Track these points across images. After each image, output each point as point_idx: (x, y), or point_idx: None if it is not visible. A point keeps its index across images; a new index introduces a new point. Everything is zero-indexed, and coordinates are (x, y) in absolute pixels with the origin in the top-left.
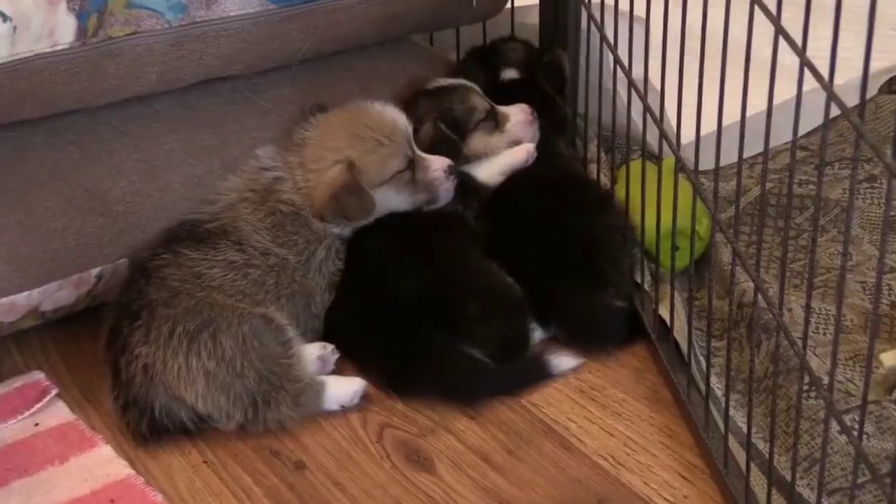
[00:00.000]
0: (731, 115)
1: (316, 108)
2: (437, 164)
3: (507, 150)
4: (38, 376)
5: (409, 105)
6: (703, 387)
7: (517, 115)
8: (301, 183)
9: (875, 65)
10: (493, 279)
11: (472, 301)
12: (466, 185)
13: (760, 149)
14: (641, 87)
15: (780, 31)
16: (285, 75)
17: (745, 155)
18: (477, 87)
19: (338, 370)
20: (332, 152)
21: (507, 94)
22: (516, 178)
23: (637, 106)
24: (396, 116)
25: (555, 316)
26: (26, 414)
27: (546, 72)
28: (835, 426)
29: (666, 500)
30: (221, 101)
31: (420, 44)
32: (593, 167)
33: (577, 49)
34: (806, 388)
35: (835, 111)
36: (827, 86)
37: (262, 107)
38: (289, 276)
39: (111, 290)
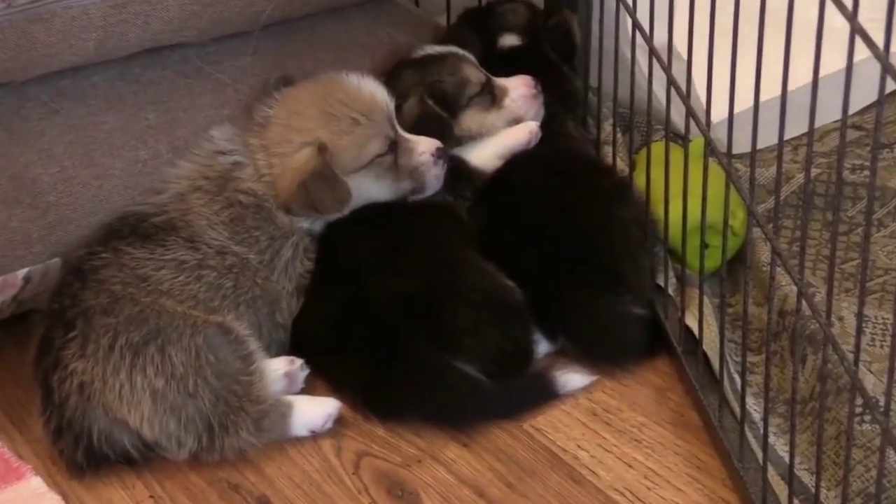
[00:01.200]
0: (771, 89)
1: (281, 82)
2: (424, 147)
3: (505, 130)
4: None
5: (390, 77)
6: (737, 409)
7: (518, 89)
8: (264, 169)
9: None
10: (489, 281)
11: (464, 307)
12: (458, 171)
13: (804, 128)
14: (664, 56)
15: None
16: (246, 43)
17: (788, 136)
18: (470, 56)
19: (308, 389)
20: (299, 133)
21: (507, 63)
22: (516, 163)
23: (660, 78)
24: (376, 91)
25: (562, 325)
26: None
27: (552, 37)
28: (892, 456)
29: None
30: (170, 74)
31: (404, 5)
32: (608, 150)
33: (589, 11)
34: (859, 410)
35: (891, 85)
36: (882, 55)
37: (218, 80)
38: (249, 278)
39: (41, 294)
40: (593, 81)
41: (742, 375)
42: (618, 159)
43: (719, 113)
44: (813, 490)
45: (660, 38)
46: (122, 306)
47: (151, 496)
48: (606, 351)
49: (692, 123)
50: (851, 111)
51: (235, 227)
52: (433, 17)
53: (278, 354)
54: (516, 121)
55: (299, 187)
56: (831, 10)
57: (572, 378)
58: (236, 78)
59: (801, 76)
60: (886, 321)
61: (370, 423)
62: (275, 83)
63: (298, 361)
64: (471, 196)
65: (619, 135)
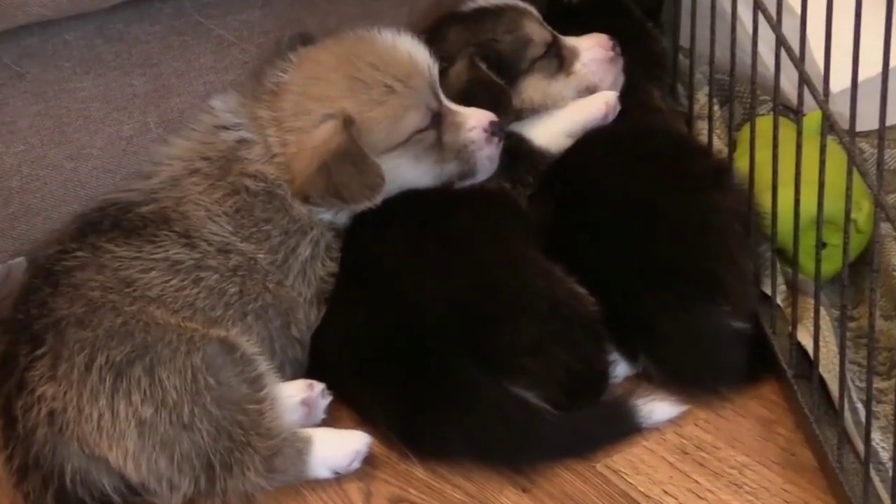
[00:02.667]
0: None
1: (298, 40)
2: (475, 121)
3: (575, 102)
4: None
5: (433, 35)
6: (860, 446)
7: (591, 51)
8: (276, 147)
9: None
10: (556, 288)
11: (525, 319)
12: (516, 152)
13: None
14: (773, 9)
15: None
16: None
17: None
18: (532, 9)
19: (330, 420)
20: (320, 103)
21: (578, 19)
22: (590, 142)
23: (767, 37)
24: (415, 51)
25: (645, 342)
26: None
27: None
28: None
29: None
30: (160, 30)
31: None
32: (703, 126)
33: None
34: None
35: None
36: None
37: (220, 38)
38: (259, 282)
39: (2, 302)
40: (685, 41)
41: (867, 405)
42: (715, 137)
43: (840, 81)
44: None
45: None
46: (102, 317)
47: None
48: (699, 374)
49: (806, 93)
50: None
51: (241, 220)
52: None
53: (294, 377)
54: (589, 90)
55: (320, 170)
56: None
57: (657, 408)
58: (242, 35)
59: None
60: None
61: (407, 463)
62: (290, 42)
63: (319, 386)
64: (533, 182)
65: (716, 107)
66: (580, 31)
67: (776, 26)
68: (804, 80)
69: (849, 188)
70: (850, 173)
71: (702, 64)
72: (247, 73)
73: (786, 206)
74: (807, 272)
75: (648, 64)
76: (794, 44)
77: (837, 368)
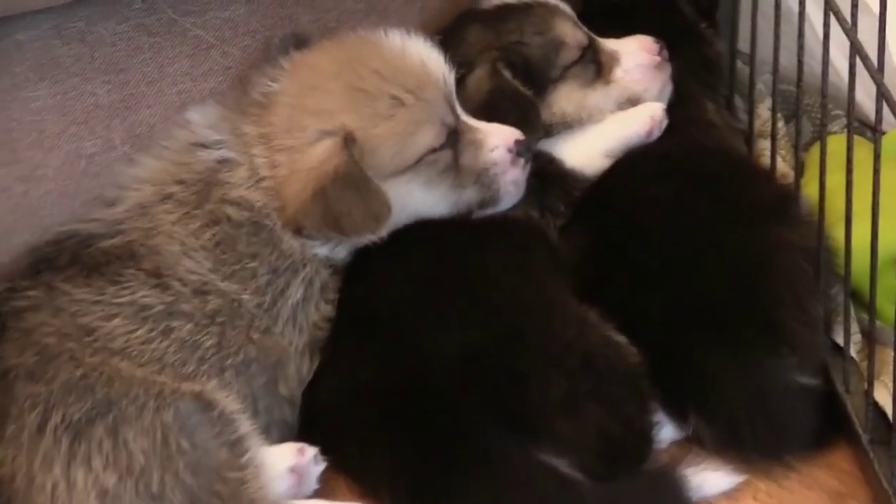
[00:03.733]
0: None
1: (290, 43)
2: (498, 139)
3: (616, 116)
4: None
5: (450, 37)
6: None
7: (634, 55)
8: (264, 170)
9: None
10: (591, 336)
11: (555, 373)
12: (546, 175)
13: None
14: (846, 9)
15: None
16: None
17: None
18: (565, 6)
19: (324, 491)
20: (316, 117)
21: (618, 18)
22: (632, 164)
23: (840, 41)
24: (428, 56)
25: (696, 400)
26: None
27: None
28: None
29: None
30: (128, 30)
31: None
32: (765, 145)
33: None
34: None
35: None
36: None
37: (199, 38)
38: (242, 330)
39: None
40: (744, 44)
41: None
42: (778, 159)
43: None
44: None
45: None
46: (58, 368)
47: None
48: (759, 438)
49: (886, 108)
50: None
51: (222, 255)
52: None
53: (282, 440)
54: (631, 101)
55: (315, 196)
56: None
57: (710, 478)
58: (224, 36)
59: None
60: None
61: None
62: (281, 44)
63: (311, 451)
64: (565, 211)
65: (780, 123)
66: (621, 32)
67: (850, 30)
68: (883, 94)
69: None
70: None
71: (764, 72)
72: (230, 81)
73: (862, 240)
74: (886, 319)
75: (701, 71)
76: (872, 50)
77: None
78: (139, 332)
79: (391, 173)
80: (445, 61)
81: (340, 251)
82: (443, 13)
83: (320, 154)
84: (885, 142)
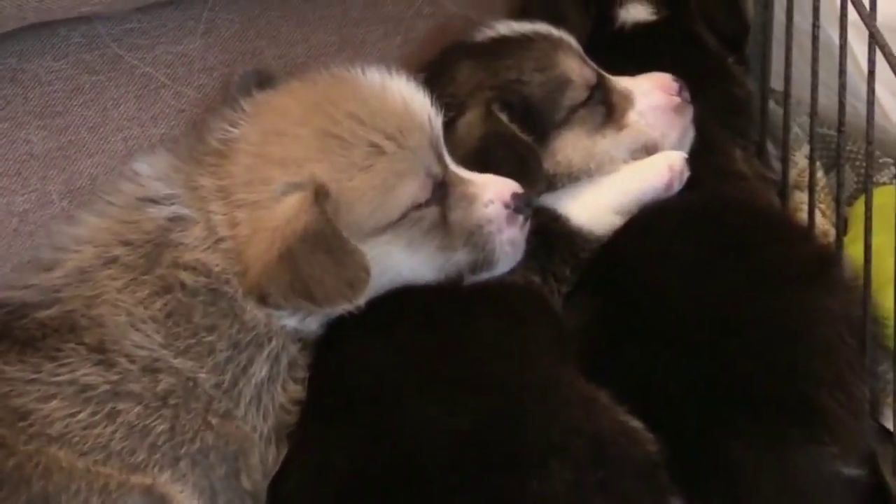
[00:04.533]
0: None
1: (253, 81)
2: (492, 193)
3: (629, 165)
4: None
5: (437, 74)
6: None
7: (650, 95)
8: (222, 229)
9: None
10: (600, 421)
11: (558, 464)
12: (549, 235)
13: None
14: (894, 43)
15: None
16: (192, 15)
17: None
18: (570, 38)
19: None
20: (282, 168)
21: (632, 51)
22: (648, 221)
23: (887, 79)
24: (411, 97)
25: (724, 494)
26: None
27: (708, 8)
28: None
29: None
30: (67, 67)
31: None
32: (801, 198)
33: None
34: None
35: None
36: None
37: (147, 77)
38: (198, 414)
39: None
40: (777, 82)
41: None
42: (818, 214)
43: None
44: None
45: (887, 11)
46: None
47: None
48: None
49: None
50: None
51: (175, 328)
52: None
53: None
54: (647, 149)
55: (282, 259)
56: None
57: None
58: (177, 74)
59: None
60: None
61: None
62: (242, 83)
63: None
64: (571, 276)
65: (819, 174)
66: (635, 68)
67: None
68: None
69: None
70: None
71: (800, 114)
72: (183, 126)
73: None
74: None
75: (728, 113)
76: None
77: None
78: (81, 416)
79: (369, 232)
80: (431, 102)
81: (311, 323)
82: (428, 47)
83: (287, 210)
84: None
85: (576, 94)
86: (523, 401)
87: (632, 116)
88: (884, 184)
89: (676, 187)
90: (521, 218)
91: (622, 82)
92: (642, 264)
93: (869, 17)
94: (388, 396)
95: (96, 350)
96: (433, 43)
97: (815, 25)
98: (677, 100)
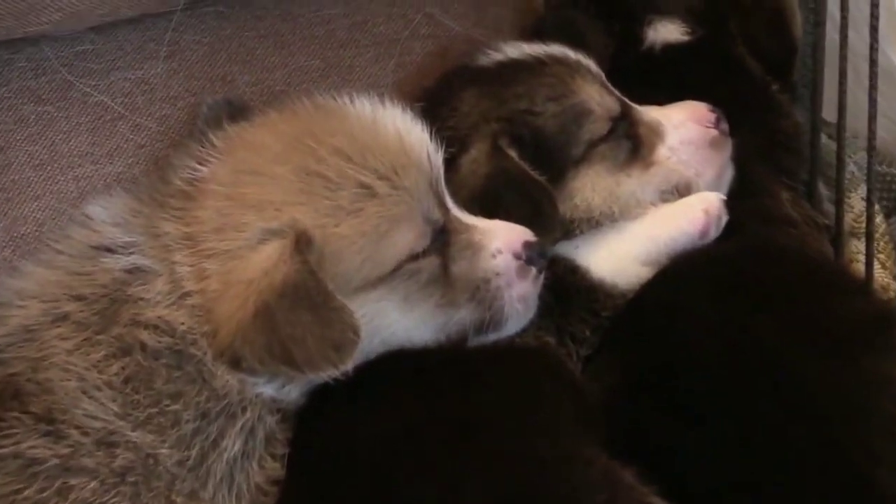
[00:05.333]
0: None
1: (224, 112)
2: (501, 241)
3: (659, 208)
4: None
5: (437, 104)
6: None
7: (682, 128)
8: (189, 282)
9: None
10: (624, 501)
11: None
12: (566, 289)
13: None
14: None
15: None
16: (152, 37)
17: None
18: (590, 62)
19: None
20: (258, 212)
21: (663, 77)
22: (680, 274)
23: None
24: (406, 131)
25: None
26: None
27: (751, 28)
28: None
29: None
30: (9, 95)
31: None
32: (858, 247)
33: None
34: None
35: None
36: None
37: (102, 106)
38: (160, 493)
39: None
40: (829, 113)
41: None
42: (876, 265)
43: None
44: None
45: None
46: None
47: None
48: None
49: None
50: None
51: (134, 396)
52: None
53: None
54: (679, 190)
55: (258, 318)
56: None
57: None
58: (136, 103)
59: None
60: None
61: None
62: (211, 114)
63: None
64: (591, 337)
65: (878, 218)
66: (666, 96)
67: None
68: None
69: None
70: None
71: (857, 150)
72: (143, 164)
73: None
74: None
75: (773, 149)
76: None
77: None
78: (27, 493)
79: (359, 286)
80: (430, 136)
81: (291, 391)
82: (426, 72)
83: (264, 260)
84: None
85: (596, 127)
86: (537, 484)
87: (661, 152)
88: None
89: (713, 234)
90: (533, 270)
91: (650, 113)
92: (673, 324)
93: None
94: (379, 477)
95: (44, 420)
96: (432, 68)
97: (874, 47)
98: (714, 133)
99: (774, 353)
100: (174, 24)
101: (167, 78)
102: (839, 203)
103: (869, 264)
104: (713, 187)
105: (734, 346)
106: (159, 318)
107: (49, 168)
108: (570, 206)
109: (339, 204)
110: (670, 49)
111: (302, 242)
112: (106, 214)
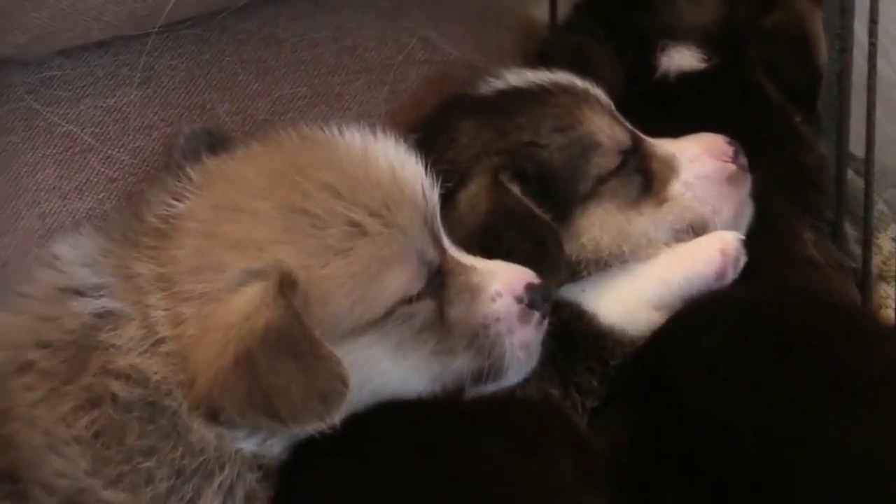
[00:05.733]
0: None
1: (202, 143)
2: (502, 284)
3: (672, 249)
4: None
5: (433, 136)
6: None
7: (698, 163)
8: (164, 328)
9: None
10: None
11: None
12: (573, 336)
13: None
14: None
15: None
16: (126, 61)
17: None
18: (598, 91)
19: None
20: (239, 252)
21: (677, 107)
22: (696, 320)
23: None
24: (399, 164)
25: None
26: None
27: (772, 54)
28: None
29: None
30: None
31: None
32: (887, 291)
33: (849, 1)
34: None
35: None
36: None
37: (70, 137)
38: None
39: None
40: (857, 147)
41: None
42: None
43: None
44: None
45: None
46: None
47: None
48: None
49: None
50: None
51: (104, 451)
52: (522, 4)
53: None
54: (694, 228)
55: (238, 366)
56: None
57: None
58: (107, 133)
59: None
60: None
61: None
62: (188, 146)
63: None
64: (599, 387)
65: None
66: (681, 128)
67: None
68: None
69: None
70: None
71: (886, 186)
72: (115, 200)
73: None
74: None
75: (795, 185)
76: None
77: None
78: None
79: (348, 332)
80: (426, 170)
81: (274, 446)
82: (422, 100)
83: (245, 304)
84: None
85: (605, 161)
86: None
87: (675, 188)
88: None
89: (730, 277)
90: (536, 315)
91: (664, 146)
92: (688, 374)
93: None
94: None
95: (7, 477)
96: (428, 96)
97: None
98: (732, 167)
99: (797, 406)
100: (149, 47)
101: (141, 106)
102: (867, 244)
103: None
104: (731, 226)
105: (753, 398)
106: (131, 366)
107: (13, 203)
108: (577, 246)
109: (326, 243)
110: (685, 77)
111: (286, 285)
112: (74, 254)
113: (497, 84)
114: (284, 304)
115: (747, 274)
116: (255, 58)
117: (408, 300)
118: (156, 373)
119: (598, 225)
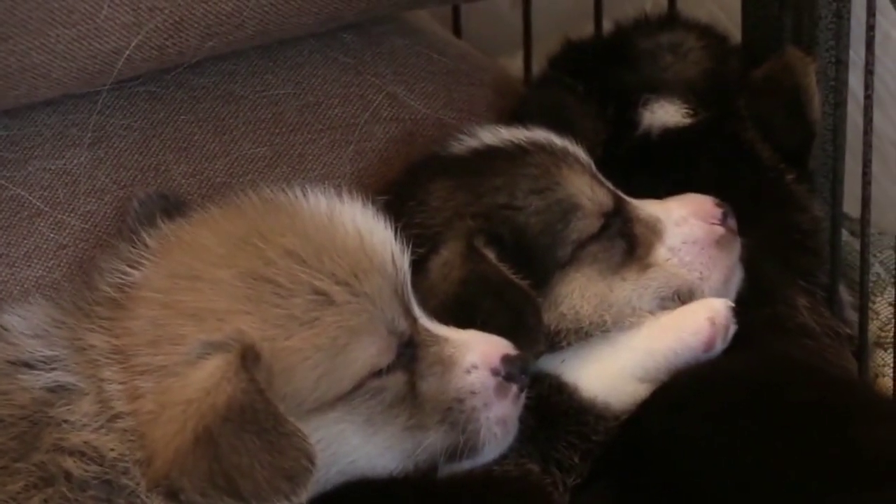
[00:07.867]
0: None
1: (158, 207)
2: (477, 356)
3: (657, 317)
4: None
5: (403, 198)
6: None
7: (684, 226)
8: (120, 403)
9: None
10: None
11: None
12: (552, 410)
13: None
14: None
15: None
16: (76, 119)
17: None
18: (579, 151)
19: None
20: (198, 322)
21: (661, 166)
22: (683, 393)
23: None
24: (367, 229)
25: None
26: None
27: (762, 109)
28: None
29: None
30: None
31: (430, 33)
32: (886, 359)
33: (842, 48)
34: None
35: None
36: None
37: (18, 201)
38: None
39: None
40: (852, 207)
41: None
42: None
43: None
44: None
45: None
46: None
47: None
48: None
49: None
50: None
51: None
52: (495, 58)
53: None
54: (681, 296)
55: (198, 444)
56: None
57: None
58: (57, 197)
59: None
60: None
61: None
62: (143, 210)
63: None
64: (581, 464)
65: None
66: (666, 188)
67: None
68: None
69: None
70: None
71: (884, 248)
72: (66, 268)
73: None
74: None
75: (787, 248)
76: None
77: None
78: None
79: (314, 407)
80: (395, 235)
81: None
82: (389, 161)
83: (205, 378)
84: None
85: (586, 224)
86: None
87: (661, 253)
88: None
89: (719, 347)
90: (514, 388)
91: (648, 208)
92: (674, 451)
93: None
94: None
95: None
96: (396, 156)
97: None
98: (721, 230)
99: (791, 487)
100: (100, 106)
101: (92, 168)
102: (863, 310)
103: None
104: (719, 293)
105: (744, 478)
106: (86, 443)
107: None
108: (556, 315)
109: (290, 313)
110: (670, 133)
111: (248, 358)
112: (24, 325)
113: (470, 142)
114: (247, 378)
115: (737, 343)
116: (212, 116)
117: (377, 373)
118: (112, 450)
119: (578, 292)
